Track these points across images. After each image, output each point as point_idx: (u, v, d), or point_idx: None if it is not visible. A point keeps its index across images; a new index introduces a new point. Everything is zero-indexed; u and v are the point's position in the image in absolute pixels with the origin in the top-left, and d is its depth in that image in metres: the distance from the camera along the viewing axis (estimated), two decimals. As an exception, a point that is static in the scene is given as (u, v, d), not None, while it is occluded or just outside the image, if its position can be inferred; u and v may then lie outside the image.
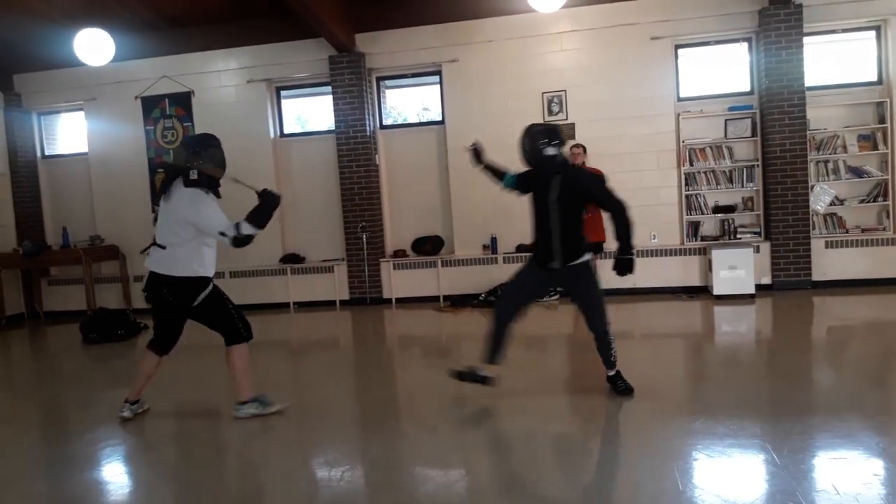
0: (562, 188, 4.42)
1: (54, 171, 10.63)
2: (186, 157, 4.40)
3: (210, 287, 4.54)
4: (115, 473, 4.13)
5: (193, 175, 4.32)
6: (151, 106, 9.92)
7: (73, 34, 8.14)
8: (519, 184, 4.78)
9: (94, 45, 8.11)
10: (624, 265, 4.36)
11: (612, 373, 4.73)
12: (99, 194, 10.15)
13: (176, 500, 3.69)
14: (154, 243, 4.51)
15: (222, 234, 4.32)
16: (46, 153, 10.70)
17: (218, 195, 4.53)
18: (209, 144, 4.47)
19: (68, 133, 10.72)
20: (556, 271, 4.54)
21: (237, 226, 4.33)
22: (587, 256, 4.56)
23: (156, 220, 4.76)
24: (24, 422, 5.34)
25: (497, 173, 4.98)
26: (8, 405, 5.89)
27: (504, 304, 4.79)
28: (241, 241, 4.34)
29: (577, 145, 7.98)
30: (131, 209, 10.04)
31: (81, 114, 10.30)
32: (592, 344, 4.71)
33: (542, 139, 4.42)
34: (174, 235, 4.40)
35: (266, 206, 4.41)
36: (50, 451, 4.50)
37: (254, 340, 4.85)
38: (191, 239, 4.39)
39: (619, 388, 4.69)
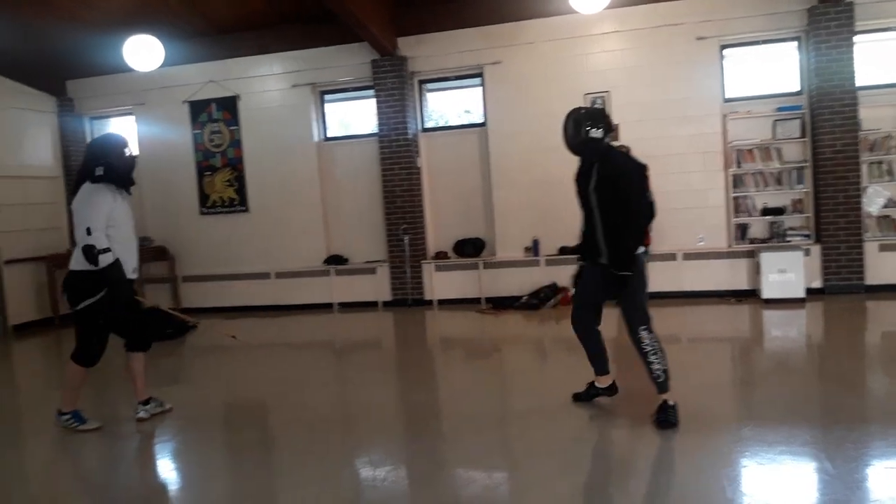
0: (599, 176, 4.17)
1: (105, 174, 10.88)
2: (93, 157, 4.53)
3: (96, 297, 4.51)
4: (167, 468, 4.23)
5: (99, 172, 4.45)
6: (199, 110, 10.11)
7: (123, 41, 8.34)
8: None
9: (143, 51, 8.31)
10: (616, 281, 4.10)
11: (659, 400, 4.19)
12: (148, 196, 10.36)
13: (219, 498, 3.75)
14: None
15: (88, 231, 4.35)
16: (98, 157, 10.95)
17: (129, 192, 4.65)
18: (116, 144, 4.61)
19: (119, 137, 10.97)
20: (606, 267, 4.22)
21: (105, 251, 4.36)
22: (637, 251, 4.20)
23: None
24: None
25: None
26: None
27: (578, 314, 4.54)
28: (89, 252, 4.35)
29: (622, 146, 7.88)
30: (180, 211, 10.27)
31: (131, 118, 10.55)
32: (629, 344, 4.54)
33: (588, 122, 4.13)
34: (77, 230, 4.50)
35: (92, 256, 4.37)
36: (95, 442, 4.63)
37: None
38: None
39: (660, 420, 4.13)
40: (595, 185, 4.19)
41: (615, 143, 7.98)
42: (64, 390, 4.79)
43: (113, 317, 4.65)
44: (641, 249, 4.24)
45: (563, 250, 8.93)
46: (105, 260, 4.36)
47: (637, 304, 4.22)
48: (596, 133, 4.15)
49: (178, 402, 5.27)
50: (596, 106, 4.07)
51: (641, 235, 4.23)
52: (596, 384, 4.65)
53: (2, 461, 4.51)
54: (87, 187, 4.48)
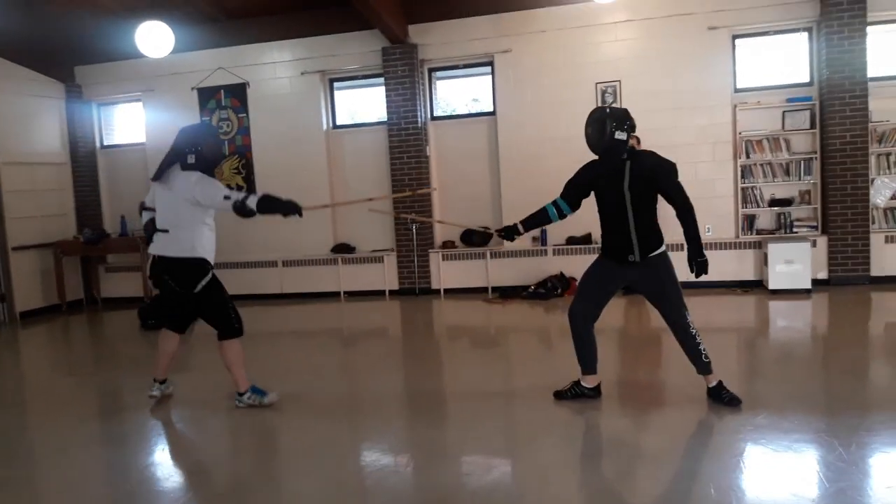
0: (632, 175, 4.19)
1: (112, 160, 10.91)
2: (185, 144, 4.60)
3: (210, 275, 4.69)
4: (169, 453, 4.27)
5: (191, 160, 4.53)
6: (207, 97, 10.10)
7: (133, 27, 8.32)
8: (572, 199, 4.52)
9: (154, 38, 8.29)
10: (701, 267, 4.20)
11: (712, 383, 4.35)
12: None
13: (228, 486, 3.77)
14: (157, 229, 4.70)
15: (226, 197, 4.48)
16: (104, 143, 10.97)
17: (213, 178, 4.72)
18: (209, 134, 4.79)
19: (126, 123, 10.97)
20: (635, 265, 4.29)
21: (246, 196, 4.48)
22: (664, 247, 4.34)
23: (142, 208, 4.96)
24: (95, 399, 5.56)
25: (539, 218, 4.63)
26: (84, 385, 6.14)
27: (579, 308, 4.52)
28: (241, 208, 4.46)
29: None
30: (187, 198, 10.25)
31: (139, 104, 10.54)
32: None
33: (612, 123, 4.16)
34: (175, 217, 4.59)
35: (281, 205, 4.54)
36: (103, 428, 4.69)
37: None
38: (191, 220, 4.58)
39: (725, 398, 4.30)
40: (630, 183, 4.20)
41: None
42: (233, 371, 4.82)
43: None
44: (664, 247, 4.35)
45: (571, 240, 8.97)
46: (252, 202, 4.45)
47: (679, 292, 4.33)
48: (621, 135, 4.18)
49: (192, 388, 5.30)
50: (615, 105, 4.09)
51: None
52: (582, 383, 4.61)
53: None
54: (184, 174, 4.53)
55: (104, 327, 9.22)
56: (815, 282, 8.12)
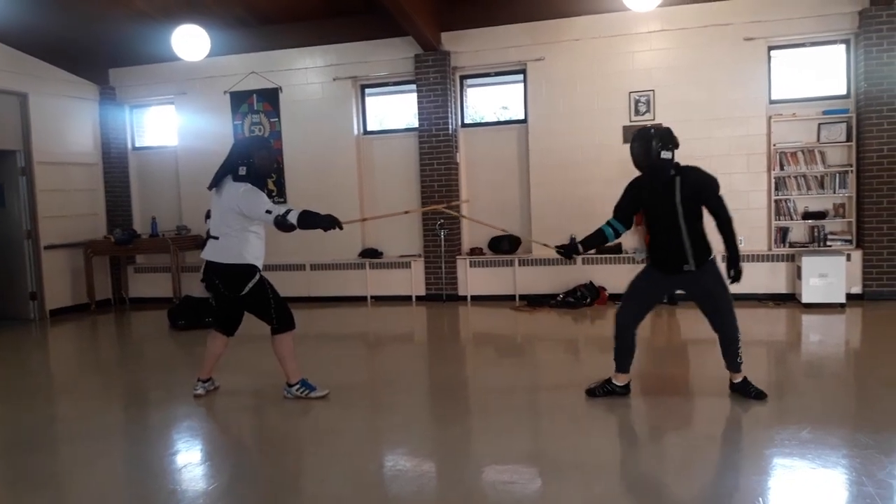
0: (683, 188, 4.43)
1: (143, 162, 11.01)
2: (238, 156, 4.79)
3: (257, 277, 4.88)
4: (197, 447, 4.28)
5: (242, 171, 4.72)
6: (240, 101, 10.17)
7: (168, 30, 8.39)
8: (624, 219, 4.77)
9: (190, 41, 8.34)
10: (738, 275, 4.51)
11: (738, 379, 4.68)
12: (186, 186, 10.45)
13: (247, 482, 3.75)
14: (209, 236, 4.94)
15: (268, 211, 4.64)
16: (136, 145, 11.07)
17: (263, 190, 4.87)
18: (261, 147, 4.88)
19: (158, 126, 11.07)
20: (688, 274, 4.53)
21: (287, 211, 4.64)
22: (713, 255, 4.57)
23: (208, 215, 5.28)
24: (125, 395, 5.61)
25: (597, 238, 4.84)
26: (116, 382, 6.18)
27: (626, 312, 4.73)
28: (282, 223, 4.62)
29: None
30: (217, 201, 10.31)
31: (171, 107, 10.64)
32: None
33: (658, 143, 4.41)
34: (225, 226, 4.80)
35: (320, 220, 4.71)
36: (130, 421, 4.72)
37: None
38: (239, 228, 4.77)
39: (752, 393, 4.61)
40: (681, 198, 4.43)
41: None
42: (284, 364, 5.04)
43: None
44: (714, 255, 4.60)
45: (602, 250, 8.92)
46: (293, 217, 4.61)
47: (730, 298, 4.61)
48: (666, 154, 4.44)
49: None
50: (662, 125, 4.39)
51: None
52: (613, 381, 4.79)
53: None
54: (234, 185, 4.74)
55: (135, 327, 9.28)
56: (849, 296, 8.01)
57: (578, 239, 4.95)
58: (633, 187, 4.71)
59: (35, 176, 9.56)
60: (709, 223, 4.52)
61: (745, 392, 4.63)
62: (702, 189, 4.47)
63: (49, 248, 9.73)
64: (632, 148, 4.53)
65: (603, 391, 4.80)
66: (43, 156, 9.65)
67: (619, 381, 4.78)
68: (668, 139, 4.44)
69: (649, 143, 4.41)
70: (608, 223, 4.79)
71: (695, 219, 4.47)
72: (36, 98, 9.57)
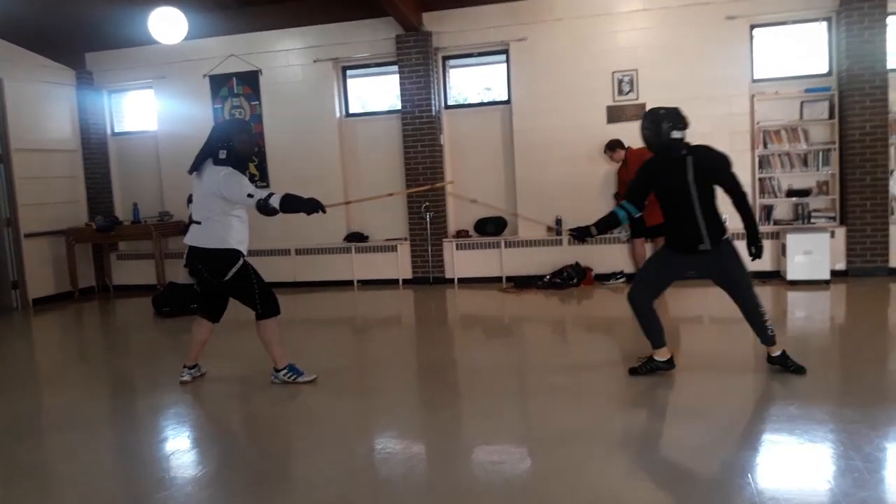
0: (695, 168, 4.44)
1: (123, 148, 10.86)
2: (218, 140, 4.73)
3: (241, 262, 4.83)
4: (189, 435, 4.26)
5: (222, 155, 4.66)
6: (219, 84, 10.04)
7: (145, 13, 8.22)
8: (637, 201, 4.72)
9: (167, 24, 8.20)
10: (759, 251, 4.55)
11: (777, 352, 4.71)
12: (167, 171, 10.33)
13: (235, 468, 3.73)
14: (192, 221, 4.88)
15: (250, 195, 4.58)
16: (116, 130, 10.93)
17: (244, 174, 4.83)
18: (242, 130, 4.83)
19: (137, 111, 10.92)
20: (705, 253, 4.54)
21: (269, 195, 4.61)
22: (728, 234, 4.60)
23: (190, 200, 5.24)
24: (117, 383, 5.56)
25: (610, 221, 4.81)
26: (102, 370, 6.13)
27: (640, 292, 4.74)
28: (264, 207, 4.58)
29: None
30: (199, 186, 10.21)
31: (150, 92, 10.48)
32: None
33: (668, 123, 4.42)
34: (207, 211, 4.75)
35: (303, 203, 4.65)
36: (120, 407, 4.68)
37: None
38: (221, 213, 4.72)
39: (791, 367, 4.65)
40: (694, 176, 4.44)
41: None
42: (270, 349, 5.03)
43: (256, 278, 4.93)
44: (729, 233, 4.64)
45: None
46: (275, 201, 4.56)
47: (748, 274, 4.67)
48: (677, 134, 4.44)
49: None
50: (670, 106, 4.37)
51: None
52: (655, 357, 4.79)
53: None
54: (215, 169, 4.66)
55: (117, 314, 9.21)
56: (834, 273, 8.08)
57: (591, 222, 4.85)
58: (645, 170, 4.71)
59: (13, 163, 9.40)
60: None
61: (784, 365, 4.67)
62: (714, 167, 4.48)
63: (30, 235, 9.60)
64: (642, 129, 4.54)
65: (646, 369, 4.80)
66: (21, 143, 9.49)
67: (660, 356, 4.79)
68: (678, 119, 4.45)
69: (660, 123, 4.43)
70: (621, 206, 4.76)
71: (708, 197, 4.49)
72: (11, 84, 9.39)
